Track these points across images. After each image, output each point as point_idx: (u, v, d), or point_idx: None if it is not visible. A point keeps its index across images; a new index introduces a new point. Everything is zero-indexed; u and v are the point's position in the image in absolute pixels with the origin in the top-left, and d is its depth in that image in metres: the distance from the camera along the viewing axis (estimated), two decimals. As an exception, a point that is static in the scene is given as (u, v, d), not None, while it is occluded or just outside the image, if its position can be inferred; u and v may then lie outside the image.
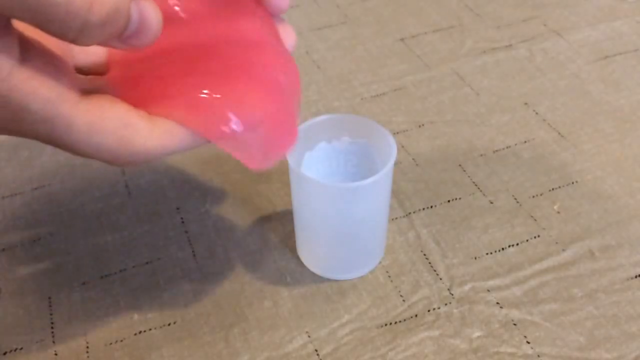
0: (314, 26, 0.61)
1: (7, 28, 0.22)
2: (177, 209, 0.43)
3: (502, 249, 0.40)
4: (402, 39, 0.59)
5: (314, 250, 0.39)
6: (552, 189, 0.44)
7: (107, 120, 0.25)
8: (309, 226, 0.38)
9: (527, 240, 0.40)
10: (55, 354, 0.35)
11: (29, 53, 0.23)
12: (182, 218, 0.43)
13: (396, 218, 0.42)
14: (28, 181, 0.46)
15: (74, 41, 0.22)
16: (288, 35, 0.31)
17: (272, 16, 0.31)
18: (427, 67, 0.55)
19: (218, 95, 0.27)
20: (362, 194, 0.35)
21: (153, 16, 0.24)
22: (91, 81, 0.28)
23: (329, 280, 0.39)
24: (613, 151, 0.46)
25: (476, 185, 0.44)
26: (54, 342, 0.36)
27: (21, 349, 0.36)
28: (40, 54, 0.24)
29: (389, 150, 0.35)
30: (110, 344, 0.36)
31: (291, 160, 0.34)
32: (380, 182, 0.34)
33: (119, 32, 0.23)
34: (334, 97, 0.52)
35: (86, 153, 0.25)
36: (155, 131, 0.26)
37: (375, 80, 0.54)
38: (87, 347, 0.36)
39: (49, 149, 0.48)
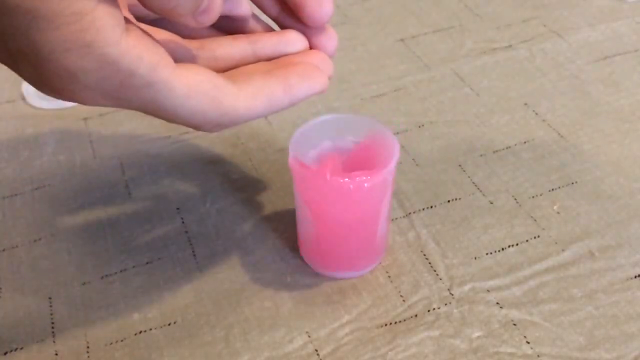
0: (314, 26, 0.61)
1: None
2: (177, 209, 0.44)
3: (502, 249, 0.40)
4: (402, 39, 0.59)
5: (316, 249, 0.39)
6: (552, 190, 0.44)
7: (201, 83, 0.26)
8: (310, 225, 0.38)
9: (527, 241, 0.40)
10: (56, 354, 0.35)
11: (128, 23, 0.25)
12: (182, 218, 0.43)
13: (396, 218, 0.42)
14: (28, 181, 0.46)
15: (174, 7, 0.24)
16: (329, 40, 0.32)
17: (313, 27, 0.32)
18: (427, 67, 0.55)
19: None
20: (364, 193, 0.35)
21: (216, 4, 0.26)
22: (174, 49, 0.30)
23: (329, 280, 0.39)
24: (613, 151, 0.46)
25: (476, 185, 0.44)
26: (54, 342, 0.36)
27: (21, 348, 0.36)
28: (135, 25, 0.25)
29: (392, 151, 0.35)
30: (111, 343, 0.36)
31: (293, 159, 0.35)
32: (382, 182, 0.34)
33: (201, 2, 0.25)
34: (334, 97, 0.53)
35: (182, 116, 0.27)
36: (242, 94, 0.28)
37: (375, 80, 0.54)
38: (88, 347, 0.36)
39: (49, 149, 0.48)
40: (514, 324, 0.36)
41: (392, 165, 0.34)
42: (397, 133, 0.49)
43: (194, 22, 0.26)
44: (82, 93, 0.25)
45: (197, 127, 0.28)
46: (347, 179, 0.34)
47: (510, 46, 0.57)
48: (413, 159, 0.47)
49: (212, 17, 0.27)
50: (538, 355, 0.34)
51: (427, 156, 0.47)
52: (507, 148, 0.47)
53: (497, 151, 0.47)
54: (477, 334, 0.36)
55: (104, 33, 0.23)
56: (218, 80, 0.27)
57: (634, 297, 0.37)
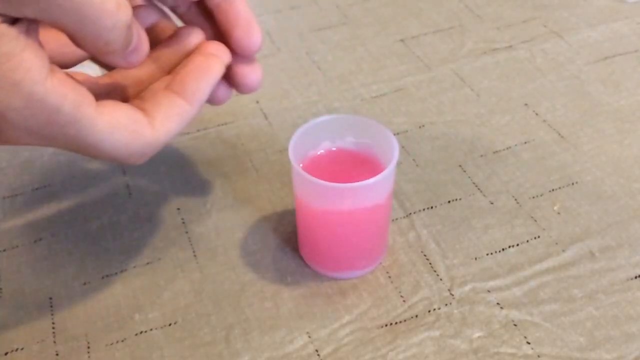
0: (314, 27, 0.61)
1: (38, 38, 0.25)
2: (178, 209, 0.44)
3: (503, 249, 0.40)
4: (402, 40, 0.59)
5: (316, 249, 0.39)
6: (552, 190, 0.44)
7: (121, 118, 0.28)
8: (311, 225, 0.38)
9: (527, 241, 0.40)
10: (57, 354, 0.35)
11: (52, 65, 0.26)
12: (182, 219, 0.43)
13: (397, 219, 0.42)
14: (29, 182, 0.46)
15: (105, 45, 0.26)
16: (253, 72, 0.33)
17: (243, 57, 0.33)
18: (427, 67, 0.55)
19: None
20: (364, 194, 0.35)
21: (144, 37, 0.29)
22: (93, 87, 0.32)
23: (329, 280, 0.39)
24: (613, 152, 0.46)
25: (476, 185, 0.44)
26: (54, 342, 0.36)
27: (22, 349, 0.36)
28: (58, 68, 0.27)
29: (392, 151, 0.35)
30: (111, 344, 0.36)
31: (294, 159, 0.35)
32: (382, 183, 0.34)
33: (131, 42, 0.27)
34: (335, 97, 0.53)
35: (106, 151, 0.28)
36: (156, 121, 0.29)
37: (376, 81, 0.54)
38: (88, 347, 0.36)
39: (49, 150, 0.48)
40: (515, 325, 0.36)
41: (392, 166, 0.34)
42: (398, 133, 0.49)
43: (124, 62, 0.28)
44: (8, 132, 0.26)
45: (122, 161, 0.29)
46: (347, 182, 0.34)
47: (510, 46, 0.57)
48: (413, 160, 0.47)
49: (141, 56, 0.28)
50: (538, 356, 0.34)
51: (427, 157, 0.47)
52: (507, 148, 0.47)
53: (497, 151, 0.47)
54: (477, 335, 0.36)
55: (31, 72, 0.24)
56: (136, 114, 0.29)
57: (634, 297, 0.37)
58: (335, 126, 0.38)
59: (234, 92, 0.34)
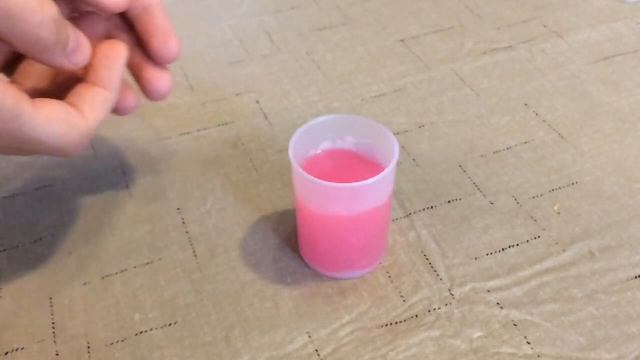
0: (315, 27, 0.61)
1: None
2: (178, 209, 0.44)
3: (503, 249, 0.40)
4: (402, 40, 0.59)
5: (316, 249, 0.39)
6: (552, 190, 0.44)
7: (57, 111, 0.30)
8: (311, 226, 0.38)
9: (528, 241, 0.40)
10: (57, 354, 0.35)
11: None
12: (183, 219, 0.43)
13: (397, 219, 0.42)
14: (30, 182, 0.46)
15: (38, 42, 0.28)
16: (163, 79, 0.37)
17: (159, 65, 0.37)
18: (427, 68, 0.55)
19: None
20: (364, 194, 0.35)
21: (84, 38, 0.32)
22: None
23: (329, 280, 0.39)
24: (613, 152, 0.46)
25: (476, 186, 0.44)
26: (55, 342, 0.36)
27: (22, 349, 0.36)
28: None
29: (392, 151, 0.35)
30: (112, 344, 0.36)
31: (294, 160, 0.35)
32: (382, 183, 0.34)
33: (66, 41, 0.30)
34: (335, 97, 0.53)
35: (47, 143, 0.30)
36: (85, 111, 0.32)
37: (376, 81, 0.54)
38: (89, 347, 0.36)
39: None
40: (515, 325, 0.36)
41: (393, 165, 0.34)
42: (398, 133, 0.49)
43: (69, 63, 0.31)
44: None
45: (61, 152, 0.32)
46: (346, 183, 0.34)
47: (510, 47, 0.57)
48: (413, 160, 0.47)
49: (84, 55, 0.32)
50: (539, 356, 0.34)
51: (427, 157, 0.47)
52: (507, 149, 0.47)
53: (497, 152, 0.47)
54: (477, 335, 0.36)
55: None
56: (69, 107, 0.31)
57: (635, 297, 0.37)
58: (336, 126, 0.38)
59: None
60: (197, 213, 0.43)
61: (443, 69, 0.55)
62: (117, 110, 0.36)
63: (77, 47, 0.31)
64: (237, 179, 0.46)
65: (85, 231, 0.42)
